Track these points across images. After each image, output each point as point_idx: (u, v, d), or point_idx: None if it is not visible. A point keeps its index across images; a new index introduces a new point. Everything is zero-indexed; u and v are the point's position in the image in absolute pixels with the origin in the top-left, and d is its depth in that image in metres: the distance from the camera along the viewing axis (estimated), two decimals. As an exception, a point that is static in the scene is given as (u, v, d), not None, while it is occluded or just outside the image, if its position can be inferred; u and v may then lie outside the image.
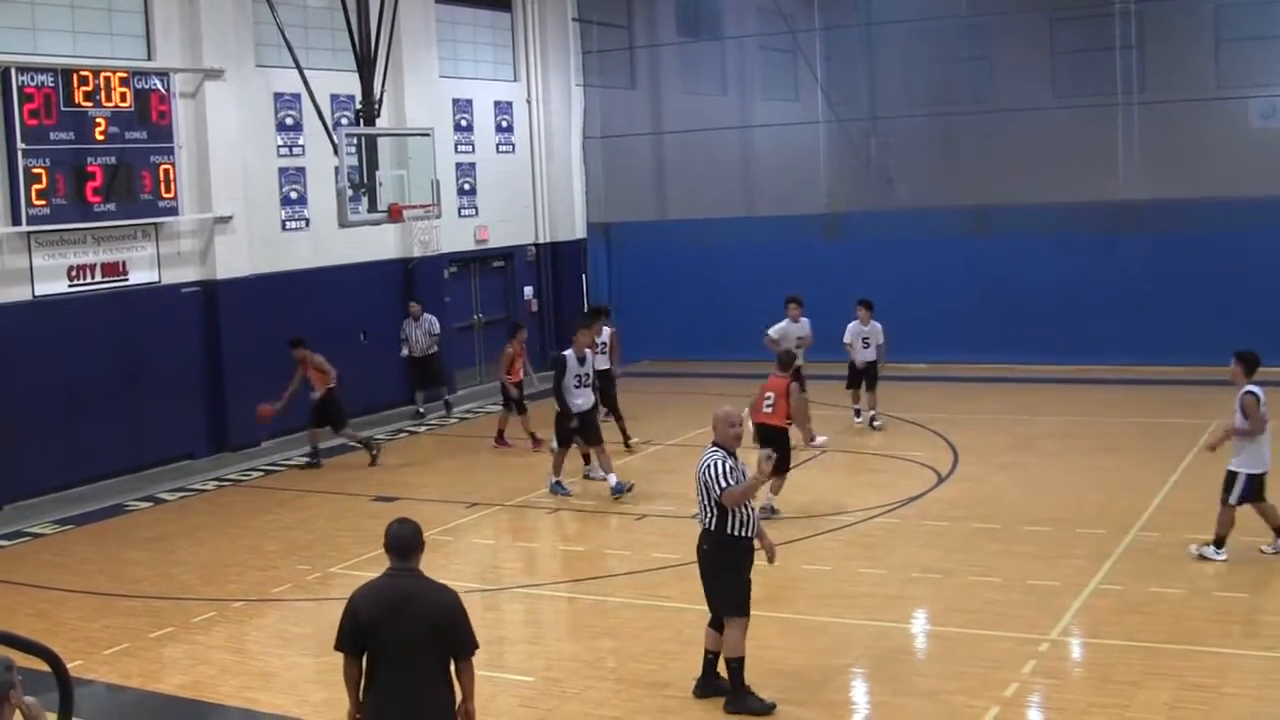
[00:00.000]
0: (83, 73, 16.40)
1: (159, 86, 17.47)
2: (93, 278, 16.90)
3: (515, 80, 24.74)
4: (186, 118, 17.97)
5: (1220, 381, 12.69)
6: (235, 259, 18.63)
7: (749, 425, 12.47)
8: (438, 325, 21.08)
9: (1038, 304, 22.23)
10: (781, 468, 13.34)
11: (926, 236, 23.19)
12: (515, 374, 18.18)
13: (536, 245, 25.26)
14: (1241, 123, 23.23)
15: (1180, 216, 21.54)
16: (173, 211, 17.69)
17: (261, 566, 13.20)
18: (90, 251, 16.82)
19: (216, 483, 17.22)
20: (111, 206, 16.81)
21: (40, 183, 15.89)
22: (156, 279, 17.75)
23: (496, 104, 24.23)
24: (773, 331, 17.57)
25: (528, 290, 25.02)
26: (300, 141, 19.87)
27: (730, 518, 8.85)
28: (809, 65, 25.83)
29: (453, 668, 6.60)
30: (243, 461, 18.20)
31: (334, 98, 19.80)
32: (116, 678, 10.24)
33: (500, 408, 18.74)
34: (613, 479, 15.13)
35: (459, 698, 6.63)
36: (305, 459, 17.91)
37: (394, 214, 17.75)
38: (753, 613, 9.03)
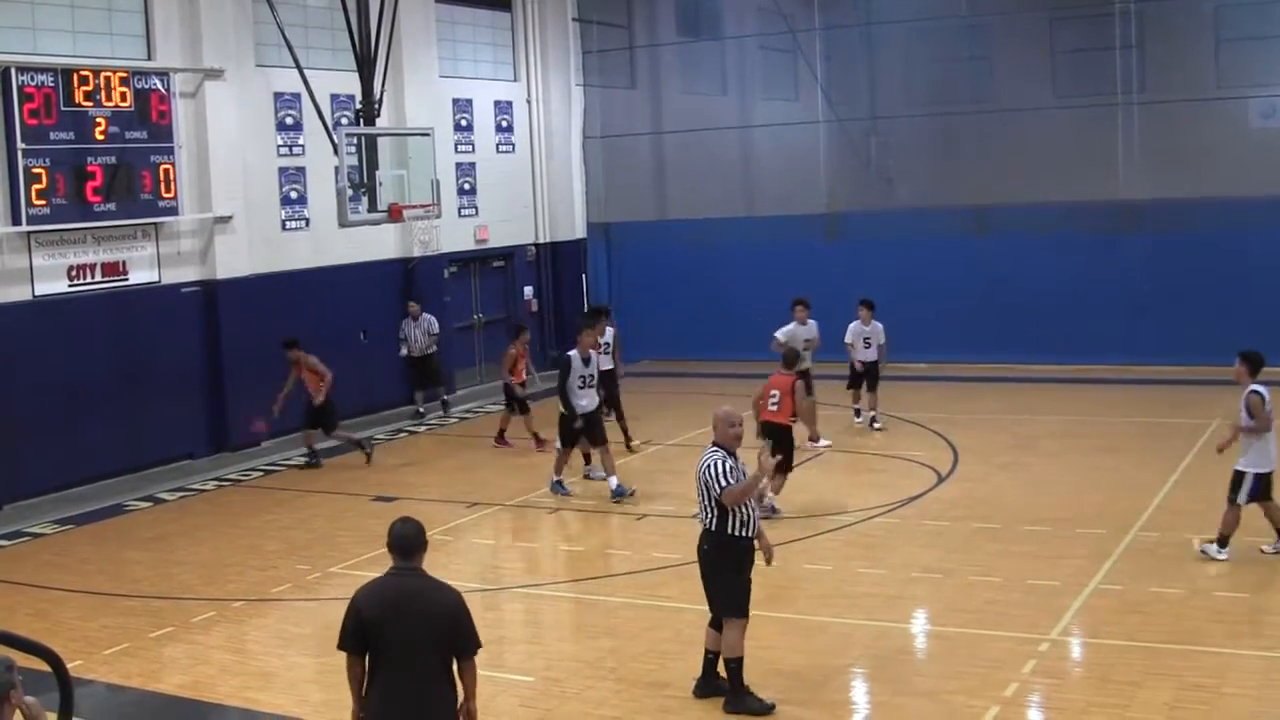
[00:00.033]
0: (83, 72, 16.39)
1: (159, 86, 17.46)
2: (93, 278, 16.90)
3: (515, 80, 24.73)
4: (186, 117, 17.96)
5: (1220, 381, 12.72)
6: (235, 259, 18.63)
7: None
8: (437, 325, 21.08)
9: (1038, 304, 22.23)
10: (784, 466, 13.36)
11: (926, 236, 23.19)
12: (518, 375, 18.19)
13: (536, 245, 25.24)
14: (1241, 123, 23.21)
15: (1180, 216, 21.54)
16: (173, 211, 17.69)
17: (261, 566, 13.20)
18: (90, 251, 16.82)
19: (216, 483, 17.22)
20: (111, 206, 16.81)
21: (40, 182, 15.88)
22: (156, 279, 17.74)
23: (496, 104, 24.22)
24: (780, 335, 16.98)
25: (528, 290, 25.00)
26: (300, 141, 19.87)
27: (731, 518, 8.84)
28: (809, 65, 25.82)
29: (455, 667, 6.60)
30: (242, 461, 18.21)
31: (334, 97, 19.80)
32: (116, 678, 10.24)
33: (502, 408, 18.76)
34: (614, 482, 15.12)
35: (461, 697, 6.63)
36: (305, 459, 17.91)
37: (394, 214, 17.75)
38: (753, 613, 9.03)
